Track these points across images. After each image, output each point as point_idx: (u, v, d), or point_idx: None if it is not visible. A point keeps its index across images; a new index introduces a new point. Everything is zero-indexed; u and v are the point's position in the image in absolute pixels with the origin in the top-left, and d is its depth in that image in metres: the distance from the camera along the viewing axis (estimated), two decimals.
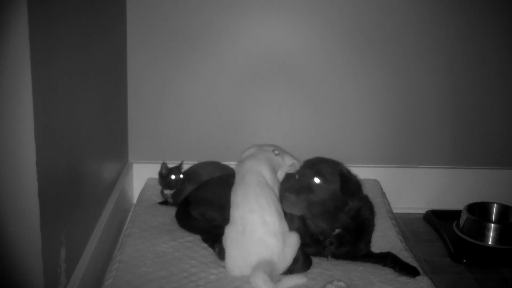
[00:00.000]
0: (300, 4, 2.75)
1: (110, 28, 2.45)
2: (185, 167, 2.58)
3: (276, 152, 2.14)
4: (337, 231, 2.04)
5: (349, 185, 1.98)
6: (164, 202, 2.54)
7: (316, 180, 1.94)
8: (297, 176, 2.01)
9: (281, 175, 2.11)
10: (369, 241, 2.17)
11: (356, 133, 2.94)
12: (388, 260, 2.08)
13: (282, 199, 1.98)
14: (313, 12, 2.76)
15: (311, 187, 1.95)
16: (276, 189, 2.04)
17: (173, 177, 2.45)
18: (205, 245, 2.17)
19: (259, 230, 1.91)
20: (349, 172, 2.06)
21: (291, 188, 1.96)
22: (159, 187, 2.55)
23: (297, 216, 2.05)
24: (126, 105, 2.83)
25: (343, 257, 2.12)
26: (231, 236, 1.95)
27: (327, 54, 2.83)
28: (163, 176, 2.47)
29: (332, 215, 2.00)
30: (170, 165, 2.50)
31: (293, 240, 1.96)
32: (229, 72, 2.83)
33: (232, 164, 2.72)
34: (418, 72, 2.88)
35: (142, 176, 2.84)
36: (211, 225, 2.23)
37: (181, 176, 2.47)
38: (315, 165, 2.00)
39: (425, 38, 2.82)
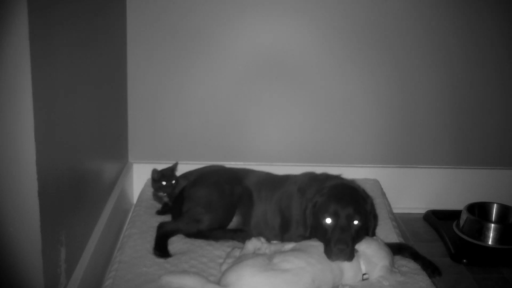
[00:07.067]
0: (301, 3, 2.75)
1: (110, 28, 2.45)
2: (185, 167, 2.58)
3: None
4: None
5: (373, 207, 2.10)
6: (162, 212, 2.48)
7: (355, 222, 1.97)
8: (328, 221, 1.97)
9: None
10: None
11: (356, 133, 2.94)
12: (406, 252, 2.16)
13: (333, 253, 1.91)
14: (313, 12, 2.76)
15: (351, 227, 1.96)
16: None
17: (164, 183, 2.42)
18: (205, 245, 2.16)
19: None
20: (358, 190, 2.10)
21: (340, 240, 1.92)
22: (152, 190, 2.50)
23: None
24: (126, 105, 2.83)
25: None
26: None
27: (327, 55, 2.82)
28: (155, 180, 2.44)
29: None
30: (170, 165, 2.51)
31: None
32: (229, 73, 2.82)
33: (232, 164, 2.73)
34: (418, 72, 2.87)
35: (142, 176, 2.84)
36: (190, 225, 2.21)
37: (173, 182, 2.43)
38: (347, 208, 1.97)
39: (425, 38, 2.82)
